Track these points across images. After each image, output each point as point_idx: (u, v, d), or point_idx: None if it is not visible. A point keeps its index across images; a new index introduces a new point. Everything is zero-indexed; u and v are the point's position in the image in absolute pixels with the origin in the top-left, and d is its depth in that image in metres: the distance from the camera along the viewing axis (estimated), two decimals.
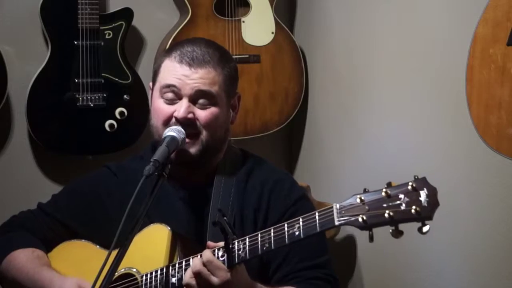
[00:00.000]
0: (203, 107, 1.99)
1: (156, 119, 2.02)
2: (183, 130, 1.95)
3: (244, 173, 2.10)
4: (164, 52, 2.07)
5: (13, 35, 3.00)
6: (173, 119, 1.98)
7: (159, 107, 2.01)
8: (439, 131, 2.57)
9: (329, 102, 3.20)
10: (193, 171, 2.07)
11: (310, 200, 2.16)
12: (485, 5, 1.94)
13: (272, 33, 3.16)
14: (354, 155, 3.02)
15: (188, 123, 1.97)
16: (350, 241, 3.01)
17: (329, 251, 2.06)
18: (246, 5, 3.12)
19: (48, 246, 2.14)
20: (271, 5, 3.14)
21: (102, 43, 2.94)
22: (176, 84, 1.98)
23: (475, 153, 2.35)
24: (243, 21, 3.11)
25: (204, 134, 1.99)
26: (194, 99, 1.99)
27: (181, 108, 1.97)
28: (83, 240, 2.12)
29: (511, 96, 1.90)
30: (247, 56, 3.12)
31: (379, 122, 2.87)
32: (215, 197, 2.04)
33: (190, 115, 1.98)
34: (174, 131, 1.94)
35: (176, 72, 1.99)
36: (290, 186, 2.10)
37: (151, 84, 2.09)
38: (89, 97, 2.94)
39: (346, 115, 3.07)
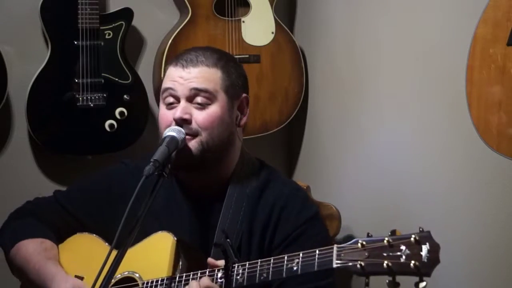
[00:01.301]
0: (201, 107, 1.99)
1: (160, 125, 2.04)
2: (183, 130, 1.95)
3: (257, 188, 2.08)
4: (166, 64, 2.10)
5: (13, 35, 3.00)
6: (173, 122, 1.98)
7: (162, 113, 2.04)
8: (439, 131, 2.57)
9: (329, 102, 3.20)
10: (204, 178, 2.06)
11: (320, 218, 2.13)
12: (485, 5, 1.94)
13: (272, 33, 3.16)
14: (354, 155, 3.02)
15: (185, 124, 1.97)
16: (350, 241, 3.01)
17: (333, 274, 2.02)
18: (246, 5, 3.12)
19: (59, 235, 2.15)
20: (271, 5, 3.14)
21: (102, 43, 2.94)
22: (171, 86, 2.00)
23: (475, 153, 2.35)
24: (243, 21, 3.11)
25: (202, 135, 1.98)
26: (191, 98, 1.99)
27: (178, 110, 1.98)
28: (94, 234, 2.13)
29: (511, 96, 1.89)
30: (247, 56, 3.12)
31: (379, 122, 2.87)
32: (225, 211, 2.04)
33: (187, 116, 1.97)
34: (174, 131, 1.94)
35: (172, 76, 2.01)
36: (301, 206, 2.08)
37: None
38: (89, 97, 2.94)
39: (346, 115, 3.07)
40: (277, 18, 3.17)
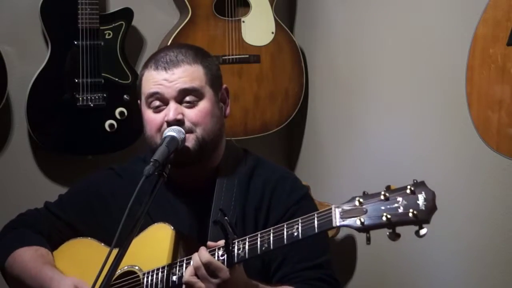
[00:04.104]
0: (191, 106, 1.99)
1: (149, 129, 2.03)
2: (183, 130, 1.96)
3: (246, 173, 2.10)
4: (142, 67, 2.08)
5: (13, 35, 3.00)
6: (165, 125, 1.98)
7: (149, 117, 2.02)
8: (439, 131, 2.57)
9: (329, 102, 3.20)
10: (194, 172, 2.06)
11: (311, 198, 2.17)
12: (485, 5, 1.94)
13: (272, 33, 3.16)
14: (354, 155, 3.02)
15: (179, 124, 1.97)
16: (350, 241, 3.01)
17: (330, 252, 2.06)
18: (246, 5, 3.12)
19: (53, 245, 2.15)
20: (271, 5, 3.14)
21: (102, 43, 2.94)
22: (158, 90, 1.99)
23: (475, 153, 2.35)
24: (243, 21, 3.11)
25: (197, 131, 1.99)
26: (180, 99, 1.99)
27: (170, 111, 1.97)
28: (88, 238, 2.13)
29: (511, 96, 1.90)
30: (247, 56, 3.12)
31: (379, 122, 2.87)
32: (217, 197, 2.05)
33: (179, 116, 1.97)
34: (174, 131, 1.94)
35: (155, 79, 2.00)
36: (291, 186, 2.10)
37: (139, 101, 2.09)
38: (89, 97, 2.94)
39: (346, 115, 3.07)
40: (277, 18, 3.17)
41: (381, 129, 2.86)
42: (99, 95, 2.95)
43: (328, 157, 3.22)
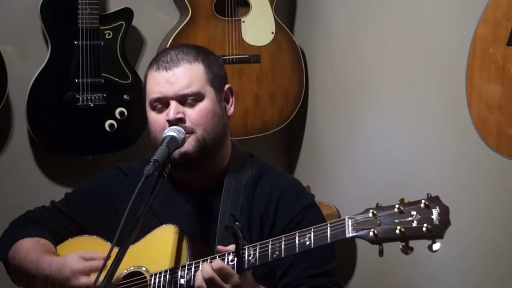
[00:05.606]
0: (191, 105, 2.00)
1: (154, 130, 2.04)
2: (183, 130, 1.96)
3: (253, 179, 2.11)
4: (148, 67, 2.10)
5: (13, 35, 3.00)
6: (167, 124, 1.99)
7: (153, 118, 2.04)
8: (439, 131, 2.57)
9: (329, 102, 3.20)
10: (201, 173, 2.07)
11: (318, 206, 2.16)
12: (485, 5, 1.94)
13: (272, 33, 3.16)
14: (354, 155, 3.02)
15: (179, 123, 1.98)
16: (350, 241, 3.01)
17: (335, 259, 2.06)
18: (246, 5, 3.12)
19: (59, 241, 2.16)
20: (271, 5, 3.14)
21: (102, 43, 2.94)
22: (160, 96, 2.01)
23: (475, 153, 2.35)
24: (243, 21, 3.11)
25: (198, 132, 2.00)
26: (180, 100, 2.01)
27: (170, 111, 1.99)
28: (94, 236, 2.14)
29: (511, 96, 1.90)
30: (247, 56, 3.12)
31: (379, 122, 2.87)
32: (224, 202, 2.05)
33: (180, 115, 1.99)
34: (174, 131, 1.95)
35: (157, 81, 2.02)
36: (298, 193, 2.11)
37: (145, 102, 2.11)
38: (89, 97, 2.94)
39: (346, 115, 3.07)
40: (277, 18, 3.17)
41: (380, 129, 2.86)
42: (99, 95, 2.95)
43: (328, 157, 3.22)
